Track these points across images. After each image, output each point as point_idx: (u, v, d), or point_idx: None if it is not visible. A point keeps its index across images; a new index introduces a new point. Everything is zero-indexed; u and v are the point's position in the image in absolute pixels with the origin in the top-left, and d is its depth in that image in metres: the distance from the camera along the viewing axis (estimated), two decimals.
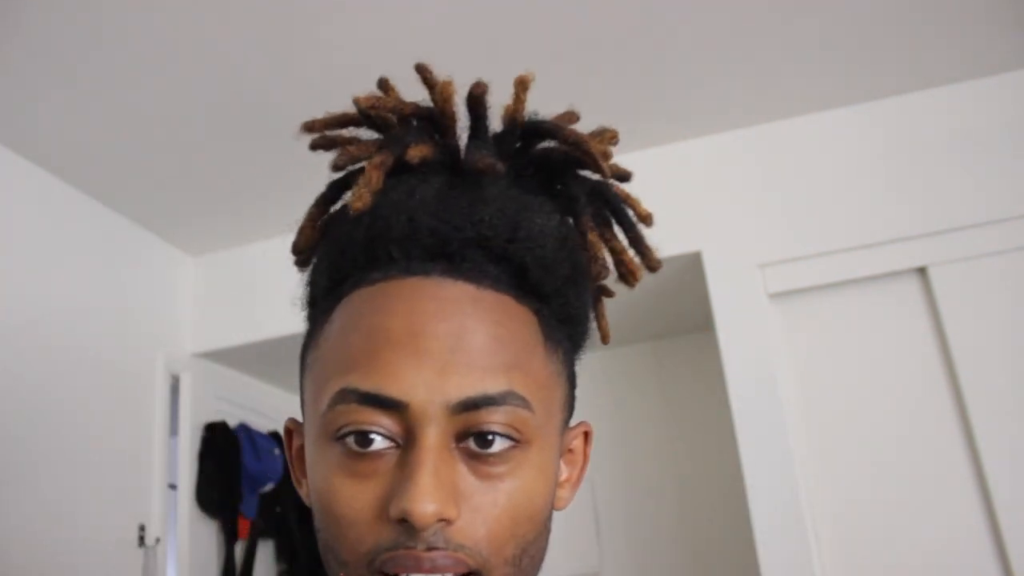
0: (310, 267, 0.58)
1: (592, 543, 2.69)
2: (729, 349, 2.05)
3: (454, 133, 0.55)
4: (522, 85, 0.57)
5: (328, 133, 0.57)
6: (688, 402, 2.71)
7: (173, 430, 2.42)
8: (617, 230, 0.60)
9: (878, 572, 1.87)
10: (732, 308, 2.08)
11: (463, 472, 0.47)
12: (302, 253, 0.59)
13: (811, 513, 1.93)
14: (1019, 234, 1.94)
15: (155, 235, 2.48)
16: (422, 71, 0.58)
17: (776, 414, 1.97)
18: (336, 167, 0.54)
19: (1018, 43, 1.96)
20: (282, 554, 2.63)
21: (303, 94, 1.93)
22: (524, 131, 0.57)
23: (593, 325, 0.61)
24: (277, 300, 2.53)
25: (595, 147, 0.55)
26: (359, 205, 0.50)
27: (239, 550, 2.48)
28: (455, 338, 0.48)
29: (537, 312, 0.53)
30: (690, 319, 2.46)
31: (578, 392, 0.58)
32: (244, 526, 2.49)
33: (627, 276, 0.59)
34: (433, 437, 0.46)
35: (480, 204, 0.51)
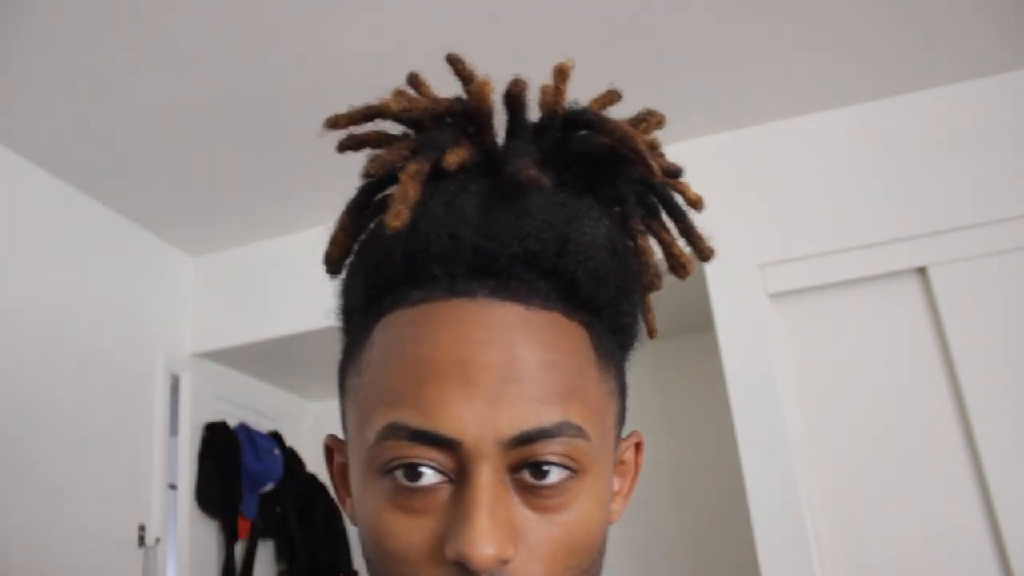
0: (344, 276, 0.56)
1: None
2: (729, 349, 2.05)
3: (492, 133, 0.52)
4: (561, 74, 0.53)
5: (354, 130, 0.54)
6: (688, 402, 2.71)
7: (173, 430, 2.42)
8: (665, 219, 0.57)
9: (878, 571, 1.87)
10: (732, 308, 2.08)
11: (518, 506, 0.46)
12: (335, 263, 0.56)
13: (811, 512, 1.93)
14: (1019, 234, 1.94)
15: (155, 235, 2.48)
16: (455, 63, 0.54)
17: (776, 414, 1.97)
18: (367, 175, 0.51)
19: (1018, 43, 1.96)
20: (282, 554, 2.63)
21: (303, 94, 1.93)
22: (565, 122, 0.53)
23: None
24: (277, 300, 2.54)
25: (641, 141, 0.51)
26: (396, 224, 0.47)
27: (239, 550, 2.48)
28: (506, 367, 0.45)
29: (588, 326, 0.50)
30: (690, 319, 2.45)
31: None
32: (244, 526, 2.49)
33: (678, 268, 0.56)
34: (487, 474, 0.45)
35: (526, 216, 0.48)
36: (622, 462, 0.57)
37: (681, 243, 0.57)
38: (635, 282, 0.54)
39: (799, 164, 2.15)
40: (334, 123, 0.54)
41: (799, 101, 2.13)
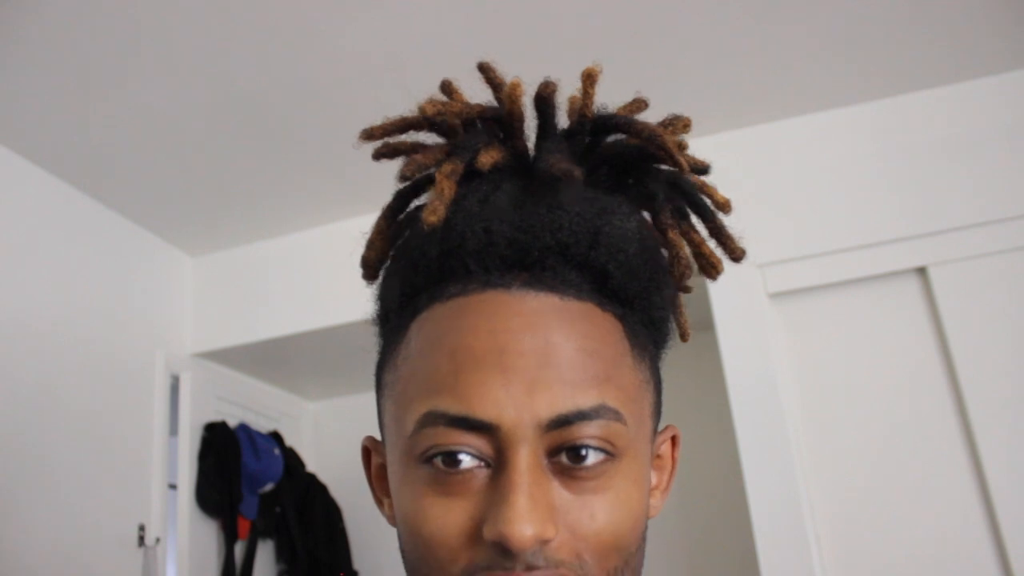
0: (380, 281, 0.57)
1: None
2: (729, 349, 2.05)
3: (523, 135, 0.53)
4: (590, 79, 0.55)
5: (390, 141, 0.55)
6: (688, 402, 2.71)
7: (173, 430, 2.42)
8: (695, 220, 0.58)
9: (878, 571, 1.87)
10: (732, 308, 2.08)
11: (557, 488, 0.46)
12: (372, 267, 0.57)
13: (811, 512, 1.93)
14: (1019, 234, 1.94)
15: (155, 235, 2.48)
16: (486, 71, 0.56)
17: (776, 414, 1.97)
18: (403, 177, 0.52)
19: (1018, 43, 1.96)
20: (282, 554, 2.63)
21: (303, 94, 1.93)
22: (594, 126, 0.54)
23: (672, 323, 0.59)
24: (277, 300, 2.54)
25: (669, 140, 0.52)
26: (433, 219, 0.48)
27: (239, 550, 2.48)
28: (542, 354, 0.46)
29: (621, 318, 0.51)
30: (690, 319, 2.46)
31: None
32: (244, 526, 2.49)
33: (708, 269, 0.57)
34: (526, 457, 0.45)
35: (558, 210, 0.49)
36: (658, 456, 0.57)
37: (711, 243, 0.59)
38: (666, 276, 0.55)
39: (799, 164, 2.15)
40: (370, 135, 0.55)
41: (799, 101, 2.13)
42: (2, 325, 1.90)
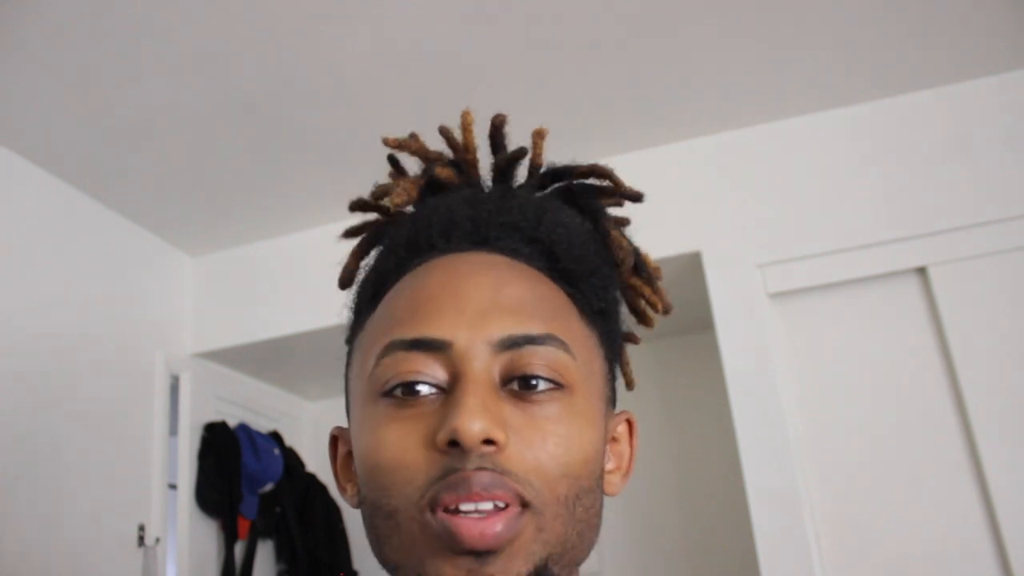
0: (353, 292, 0.62)
1: None
2: (729, 349, 2.05)
3: (477, 173, 0.62)
4: (539, 136, 0.62)
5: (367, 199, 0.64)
6: (688, 402, 2.71)
7: (173, 430, 2.42)
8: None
9: (878, 571, 1.87)
10: (732, 308, 2.08)
11: (509, 409, 0.48)
12: (346, 285, 0.64)
13: (811, 512, 1.93)
14: (1019, 234, 1.94)
15: (155, 235, 2.48)
16: (445, 133, 0.63)
17: (776, 414, 1.97)
18: (374, 195, 0.62)
19: (1018, 43, 1.96)
20: (282, 554, 2.63)
21: (303, 94, 1.93)
22: (546, 176, 0.62)
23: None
24: (277, 300, 2.54)
25: (612, 172, 0.62)
26: (399, 200, 0.57)
27: (239, 550, 2.48)
28: (494, 289, 0.50)
29: (571, 297, 0.55)
30: (690, 319, 2.45)
31: None
32: (244, 526, 2.49)
33: (645, 318, 0.65)
34: (478, 371, 0.47)
35: (510, 199, 0.57)
36: (614, 439, 0.58)
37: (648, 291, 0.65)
38: (611, 269, 0.60)
39: (799, 164, 2.15)
40: (386, 142, 0.64)
41: (799, 101, 2.13)
42: (2, 325, 1.90)
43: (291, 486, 2.67)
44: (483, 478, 0.45)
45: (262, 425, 2.76)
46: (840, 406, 1.99)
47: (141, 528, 2.20)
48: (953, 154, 2.04)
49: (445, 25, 1.73)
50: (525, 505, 0.46)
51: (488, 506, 0.45)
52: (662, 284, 0.65)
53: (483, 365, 0.48)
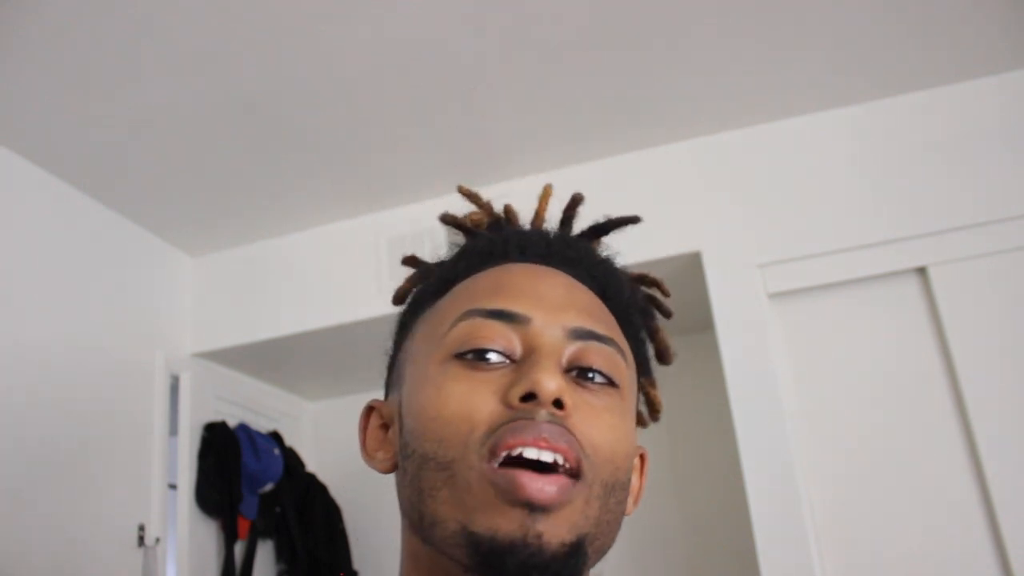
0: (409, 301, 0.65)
1: None
2: (729, 349, 2.05)
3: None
4: (545, 195, 0.68)
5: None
6: (688, 402, 2.71)
7: (173, 430, 2.42)
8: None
9: (878, 571, 1.87)
10: (732, 308, 2.08)
11: (571, 389, 0.50)
12: (401, 300, 0.66)
13: (811, 512, 1.93)
14: (1019, 234, 1.95)
15: (155, 235, 2.48)
16: (472, 197, 0.69)
17: (776, 414, 1.97)
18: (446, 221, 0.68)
19: (1018, 43, 1.96)
20: (282, 554, 2.63)
21: (303, 94, 1.93)
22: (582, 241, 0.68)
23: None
24: (277, 300, 2.54)
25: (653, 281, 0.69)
26: (477, 217, 0.65)
27: (239, 550, 2.48)
28: (567, 290, 0.55)
29: (618, 322, 0.59)
30: (690, 319, 2.45)
31: None
32: (244, 526, 2.49)
33: (664, 353, 0.68)
34: (553, 346, 0.51)
35: (573, 240, 0.64)
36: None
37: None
38: (643, 321, 0.65)
39: (799, 164, 2.15)
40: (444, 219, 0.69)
41: (798, 101, 2.13)
42: (2, 325, 1.90)
43: (291, 486, 2.67)
44: (552, 428, 0.47)
45: (262, 425, 2.76)
46: (840, 406, 1.99)
47: (141, 528, 2.20)
48: (953, 154, 2.04)
49: (445, 25, 1.73)
50: (576, 476, 0.48)
51: (549, 458, 0.46)
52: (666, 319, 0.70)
53: (557, 343, 0.51)
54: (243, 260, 2.61)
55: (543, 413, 0.47)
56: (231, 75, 1.84)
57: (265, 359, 2.66)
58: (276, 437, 2.75)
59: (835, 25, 1.85)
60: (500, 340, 0.50)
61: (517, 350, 0.51)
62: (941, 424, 1.91)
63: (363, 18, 1.70)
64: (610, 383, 0.52)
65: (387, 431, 0.57)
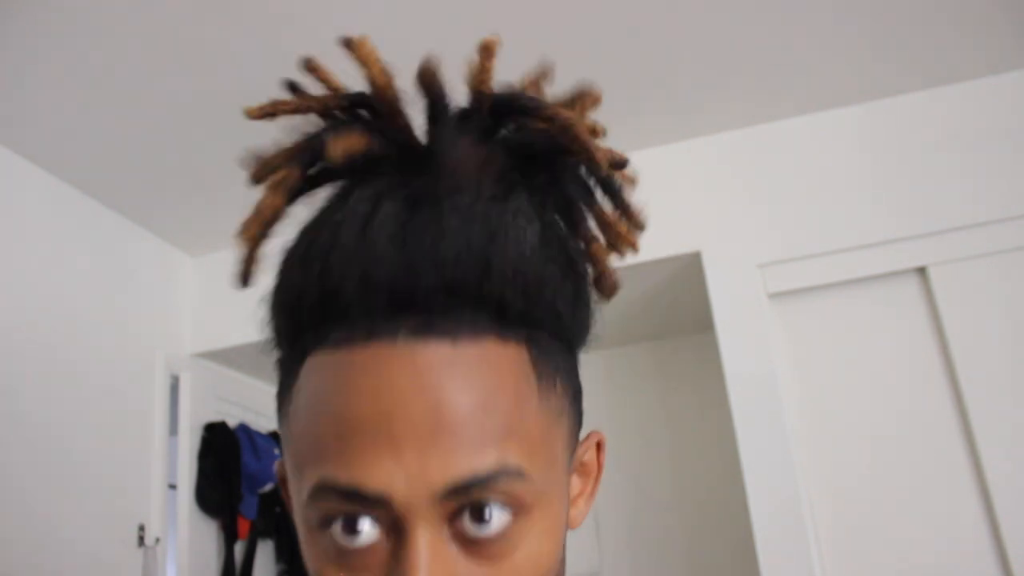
0: (268, 301, 0.52)
1: (592, 543, 2.69)
2: (729, 349, 2.05)
3: (404, 120, 0.48)
4: (487, 51, 0.48)
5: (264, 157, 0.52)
6: (688, 402, 2.71)
7: (173, 430, 2.42)
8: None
9: (878, 571, 1.87)
10: (732, 308, 2.08)
11: (461, 560, 0.43)
12: (247, 282, 0.53)
13: (811, 513, 1.93)
14: (1019, 234, 1.95)
15: (155, 235, 2.48)
16: (352, 47, 0.50)
17: (776, 414, 1.97)
18: (253, 181, 0.49)
19: (1018, 43, 1.96)
20: (282, 554, 2.63)
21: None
22: (494, 106, 0.48)
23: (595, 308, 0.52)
24: None
25: (582, 130, 0.47)
26: (245, 236, 0.47)
27: (239, 550, 2.48)
28: (434, 416, 0.42)
29: (528, 340, 0.46)
30: (690, 319, 2.46)
31: None
32: (244, 526, 2.49)
33: (621, 247, 0.51)
34: (423, 533, 0.42)
35: (442, 240, 0.43)
36: (583, 464, 0.55)
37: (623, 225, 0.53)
38: (580, 280, 0.49)
39: (799, 164, 2.16)
40: (248, 113, 0.53)
41: (799, 101, 2.13)
42: (2, 325, 1.90)
43: None
44: None
45: (262, 425, 2.76)
46: (840, 406, 1.99)
47: (141, 528, 2.20)
48: (953, 154, 2.05)
49: (445, 23, 1.74)
50: None
51: None
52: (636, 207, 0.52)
53: (427, 522, 0.43)
54: None
55: None
56: (232, 75, 1.84)
57: (265, 359, 2.65)
58: (276, 437, 2.75)
59: (836, 26, 1.85)
60: (365, 521, 0.43)
61: (387, 521, 0.43)
62: (941, 424, 1.91)
63: (364, 18, 1.71)
64: (512, 511, 0.44)
65: None
